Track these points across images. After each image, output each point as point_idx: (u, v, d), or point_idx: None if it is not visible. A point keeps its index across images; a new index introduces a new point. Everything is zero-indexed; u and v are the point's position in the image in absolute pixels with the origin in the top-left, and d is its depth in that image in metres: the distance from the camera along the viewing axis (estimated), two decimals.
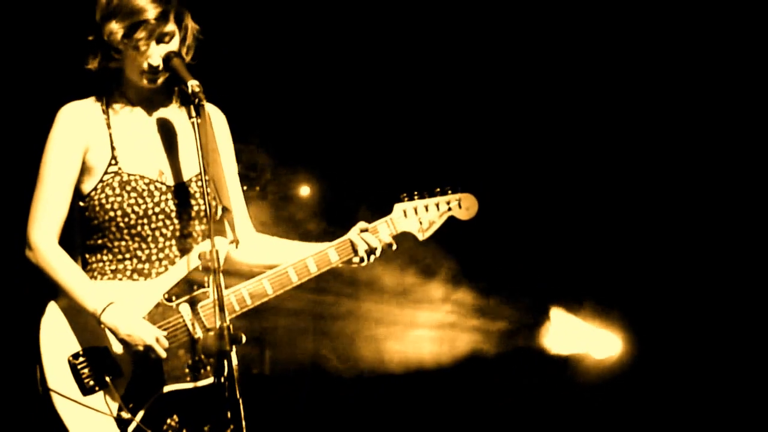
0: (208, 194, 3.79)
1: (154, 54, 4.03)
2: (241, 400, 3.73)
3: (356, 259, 4.25)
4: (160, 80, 4.08)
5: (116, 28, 3.99)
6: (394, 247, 4.31)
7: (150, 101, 4.21)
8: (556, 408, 7.48)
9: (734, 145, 7.10)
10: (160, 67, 4.03)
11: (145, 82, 4.07)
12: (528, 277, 7.28)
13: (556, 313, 7.38)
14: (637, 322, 7.36)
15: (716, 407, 7.12)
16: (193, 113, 3.86)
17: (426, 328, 7.34)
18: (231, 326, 3.97)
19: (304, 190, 7.62)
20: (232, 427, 3.97)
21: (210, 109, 4.29)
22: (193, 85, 3.87)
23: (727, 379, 7.14)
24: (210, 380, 4.00)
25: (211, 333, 3.98)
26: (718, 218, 7.16)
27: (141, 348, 3.92)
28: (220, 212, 4.14)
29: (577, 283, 7.31)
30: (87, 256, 4.14)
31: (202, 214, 4.13)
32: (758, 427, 7.00)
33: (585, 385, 7.43)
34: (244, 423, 4.02)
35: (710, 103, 7.07)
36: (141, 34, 3.98)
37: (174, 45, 4.07)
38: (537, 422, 7.51)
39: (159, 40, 4.02)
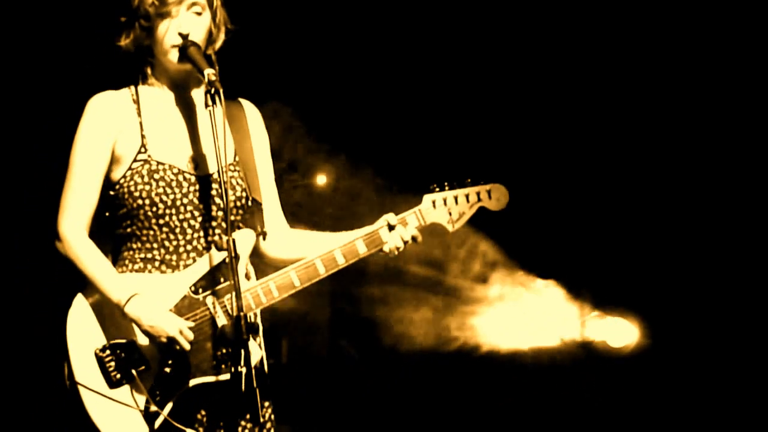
0: (226, 185, 3.76)
1: (184, 21, 4.01)
2: (258, 391, 3.70)
3: (385, 249, 4.21)
4: (185, 61, 4.02)
5: None
6: (420, 239, 4.26)
7: (180, 89, 4.18)
8: (572, 398, 7.49)
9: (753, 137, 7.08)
10: (190, 36, 3.99)
11: (175, 56, 4.02)
12: (544, 267, 7.26)
13: (572, 301, 7.38)
14: (654, 310, 7.34)
15: (731, 396, 7.10)
16: (209, 102, 3.82)
17: (438, 317, 7.34)
18: (250, 315, 3.99)
19: (321, 179, 7.61)
20: (248, 416, 3.99)
21: (245, 104, 4.30)
22: (209, 73, 3.84)
23: (743, 368, 7.12)
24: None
25: (228, 323, 3.95)
26: (735, 209, 7.14)
27: (164, 339, 3.89)
28: (249, 204, 4.14)
29: (592, 271, 7.29)
30: (118, 245, 4.12)
31: (231, 205, 4.09)
32: None
33: (601, 372, 7.43)
34: (268, 414, 4.05)
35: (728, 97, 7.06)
36: None
37: (204, 21, 4.06)
38: (553, 411, 7.52)
39: (189, 8, 4.02)
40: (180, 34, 4.00)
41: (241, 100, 4.31)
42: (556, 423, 7.55)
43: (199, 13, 4.05)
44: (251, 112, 4.32)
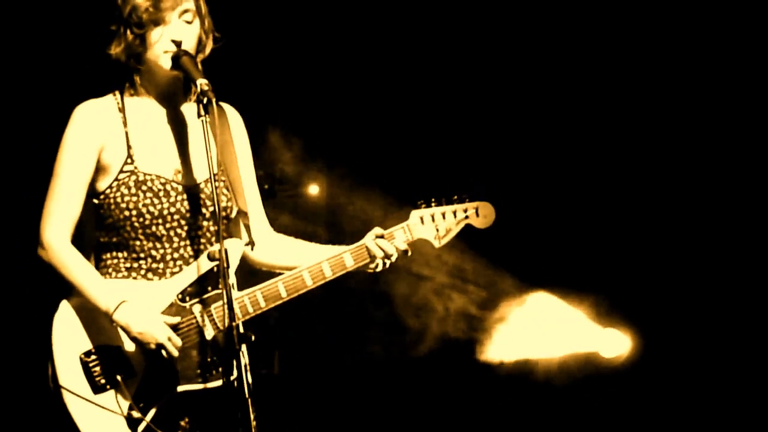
0: (217, 195, 3.79)
1: (176, 29, 4.02)
2: (250, 401, 3.75)
3: (372, 265, 4.25)
4: (177, 69, 4.03)
5: (141, 1, 4.01)
6: (409, 253, 4.30)
7: (167, 98, 4.18)
8: (567, 408, 7.49)
9: (743, 141, 7.06)
10: (183, 44, 4.01)
11: (168, 64, 4.02)
12: (536, 275, 7.26)
13: (563, 311, 7.36)
14: (647, 319, 7.33)
15: (726, 407, 7.09)
16: (202, 112, 3.85)
17: (434, 325, 7.34)
18: (240, 325, 4.01)
19: (314, 189, 7.62)
20: (241, 429, 4.01)
21: (227, 109, 4.28)
22: (201, 83, 3.86)
23: (738, 377, 7.10)
24: (220, 382, 3.99)
25: (221, 333, 3.99)
26: (729, 214, 7.11)
27: (153, 346, 3.92)
28: (234, 213, 4.16)
29: (585, 280, 7.28)
30: (101, 253, 4.13)
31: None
32: None
33: (597, 384, 7.42)
34: (254, 424, 4.06)
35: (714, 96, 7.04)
36: (167, 3, 3.99)
37: (194, 29, 4.06)
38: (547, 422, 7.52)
39: (180, 16, 4.03)
40: (173, 41, 4.01)
41: (222, 104, 4.27)
42: None
43: (189, 22, 4.06)
44: (233, 116, 4.31)
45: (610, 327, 7.46)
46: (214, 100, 3.84)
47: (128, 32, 4.04)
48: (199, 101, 3.85)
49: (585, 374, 7.44)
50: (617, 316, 7.40)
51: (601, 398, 7.42)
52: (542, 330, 7.32)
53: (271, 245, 4.32)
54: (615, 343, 7.47)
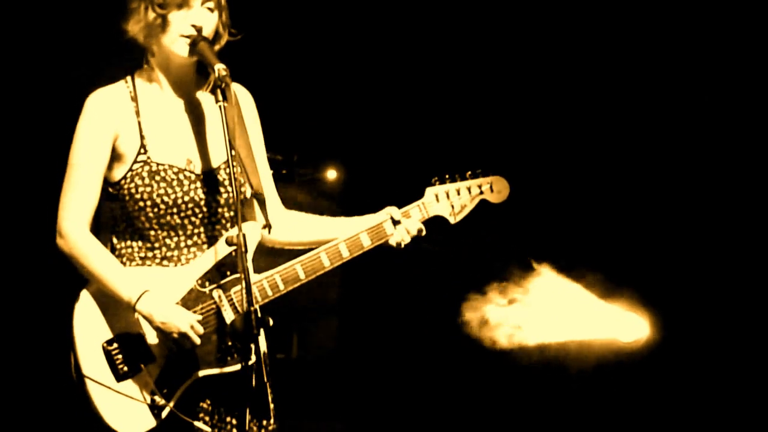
0: (235, 180, 3.78)
1: (198, 15, 4.02)
2: (268, 384, 3.77)
3: (391, 242, 4.26)
4: (195, 55, 4.04)
5: None
6: (424, 232, 4.31)
7: (179, 85, 4.18)
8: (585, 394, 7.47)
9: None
10: (203, 31, 4.01)
11: (185, 49, 4.02)
12: (552, 259, 7.25)
13: (581, 295, 7.34)
14: (666, 304, 7.31)
15: (746, 394, 7.07)
16: (220, 97, 3.83)
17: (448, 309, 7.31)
18: (258, 310, 4.02)
19: (331, 174, 7.64)
20: (259, 412, 4.02)
21: (238, 89, 4.27)
22: (219, 69, 3.85)
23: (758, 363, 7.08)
24: (238, 366, 3.99)
25: (240, 317, 4.01)
26: (750, 200, 7.10)
27: (176, 335, 3.94)
28: (248, 195, 4.16)
29: (603, 264, 7.27)
30: (115, 240, 4.15)
31: (231, 201, 4.12)
32: None
33: (615, 370, 7.40)
34: (272, 407, 4.07)
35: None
36: None
37: (214, 18, 4.07)
38: (567, 409, 7.50)
39: (203, 3, 4.02)
40: (194, 26, 4.01)
41: (234, 85, 4.18)
42: (564, 421, 7.54)
43: (211, 10, 4.06)
44: (245, 98, 4.31)
45: (629, 311, 7.44)
46: (231, 86, 3.84)
47: (149, 11, 4.03)
48: (216, 87, 3.84)
49: (603, 360, 7.43)
50: (636, 301, 7.38)
51: (620, 384, 7.41)
52: (560, 314, 7.30)
53: (285, 224, 4.33)
54: (634, 328, 7.45)
